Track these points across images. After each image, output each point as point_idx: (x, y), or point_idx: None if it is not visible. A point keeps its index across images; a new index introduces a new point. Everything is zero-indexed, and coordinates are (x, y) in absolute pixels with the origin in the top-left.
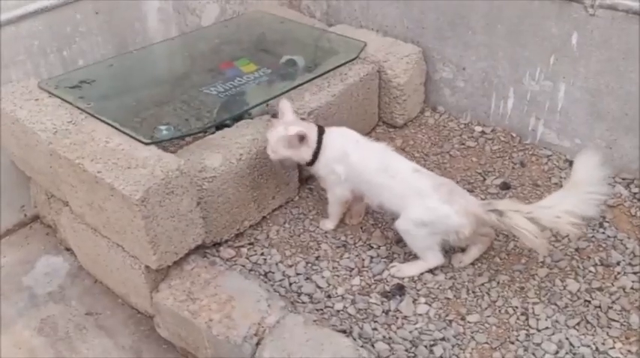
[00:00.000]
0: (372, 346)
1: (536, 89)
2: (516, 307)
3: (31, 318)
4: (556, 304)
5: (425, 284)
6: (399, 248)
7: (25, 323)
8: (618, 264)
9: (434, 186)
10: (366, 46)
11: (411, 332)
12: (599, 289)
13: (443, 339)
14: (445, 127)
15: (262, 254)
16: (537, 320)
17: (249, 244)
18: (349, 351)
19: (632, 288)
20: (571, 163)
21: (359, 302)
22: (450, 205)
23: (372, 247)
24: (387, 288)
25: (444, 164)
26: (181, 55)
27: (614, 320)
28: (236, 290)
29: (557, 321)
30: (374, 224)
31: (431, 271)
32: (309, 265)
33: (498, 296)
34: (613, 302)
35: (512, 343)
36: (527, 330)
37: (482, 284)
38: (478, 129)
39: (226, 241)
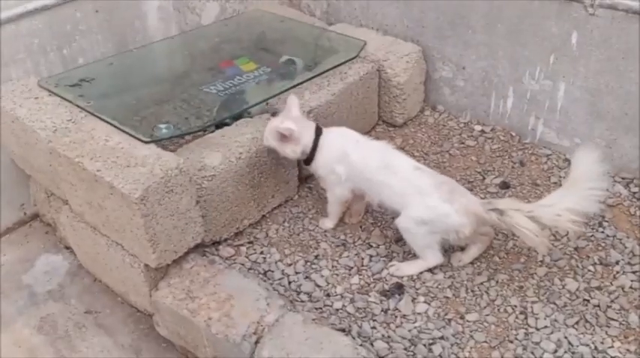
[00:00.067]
0: (371, 345)
1: (536, 88)
2: (515, 306)
3: (30, 317)
4: (555, 303)
5: (424, 283)
6: (398, 247)
7: (24, 321)
8: (617, 263)
9: (435, 185)
10: (365, 45)
11: (410, 330)
12: (598, 288)
13: (442, 338)
14: (445, 126)
15: (262, 252)
16: (536, 319)
17: (249, 243)
18: (348, 350)
19: (630, 287)
20: (571, 163)
21: (358, 301)
22: (451, 204)
23: (372, 246)
24: (386, 287)
25: (443, 163)
26: (181, 53)
27: (612, 320)
28: (235, 289)
29: (556, 320)
30: (373, 223)
31: (430, 270)
32: (309, 264)
33: (497, 295)
34: (612, 301)
35: (511, 342)
36: (526, 329)
37: (482, 283)
38: (478, 128)
39: (226, 240)
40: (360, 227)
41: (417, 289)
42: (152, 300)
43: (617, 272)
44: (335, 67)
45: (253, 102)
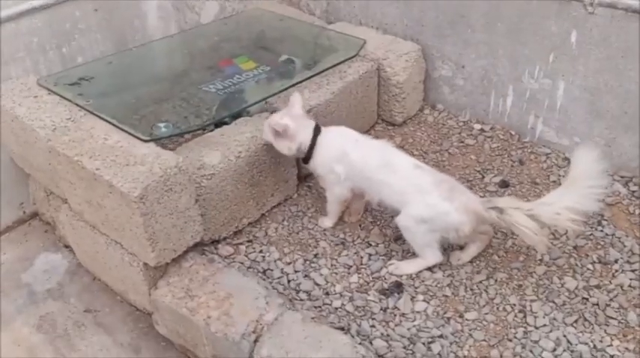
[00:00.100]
0: (370, 343)
1: (536, 87)
2: (514, 304)
3: (30, 315)
4: (554, 301)
5: (423, 281)
6: (398, 245)
7: (24, 320)
8: (616, 261)
9: (434, 183)
10: (365, 44)
11: (409, 329)
12: (597, 287)
13: (441, 336)
14: (444, 125)
15: (261, 251)
16: (535, 317)
17: (248, 241)
18: (347, 348)
19: (629, 286)
20: (570, 161)
21: (357, 300)
22: (451, 202)
23: (371, 245)
24: (385, 286)
25: (442, 162)
26: (180, 52)
27: (611, 318)
28: (234, 288)
29: (554, 319)
30: (372, 222)
31: (429, 269)
32: (308, 262)
33: (496, 294)
34: (611, 299)
35: (510, 340)
36: (525, 328)
37: (480, 282)
38: (477, 127)
39: (225, 238)
40: (360, 226)
41: (416, 288)
42: (151, 299)
43: (616, 271)
44: (334, 65)
45: (252, 101)
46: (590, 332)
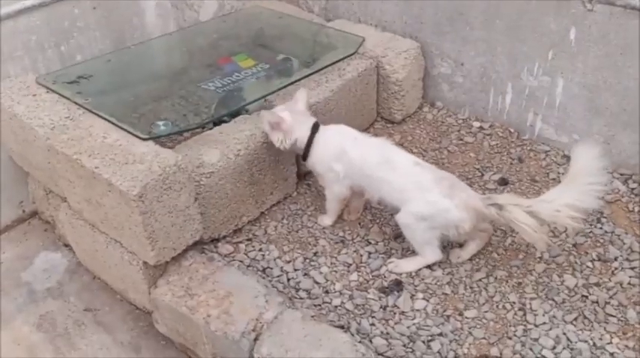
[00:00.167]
0: (370, 341)
1: (535, 84)
2: (514, 302)
3: (29, 314)
4: (553, 299)
5: (422, 279)
6: (397, 244)
7: (23, 319)
8: (616, 259)
9: (435, 180)
10: (364, 42)
11: (408, 327)
12: (597, 284)
13: (440, 335)
14: (443, 123)
15: (260, 250)
16: (535, 315)
17: (248, 240)
18: (347, 347)
19: (629, 284)
20: (569, 159)
21: (357, 298)
22: (451, 199)
23: (370, 243)
24: (385, 284)
25: (442, 160)
26: (179, 50)
27: (611, 316)
28: (234, 286)
29: (554, 317)
30: (372, 220)
31: (429, 267)
32: (307, 261)
33: (496, 292)
34: (610, 297)
35: (510, 338)
36: (524, 325)
37: (480, 280)
38: (476, 124)
39: (224, 237)
40: (359, 224)
41: (416, 286)
42: (151, 298)
43: (616, 269)
44: (333, 63)
45: (251, 98)
46: (590, 330)
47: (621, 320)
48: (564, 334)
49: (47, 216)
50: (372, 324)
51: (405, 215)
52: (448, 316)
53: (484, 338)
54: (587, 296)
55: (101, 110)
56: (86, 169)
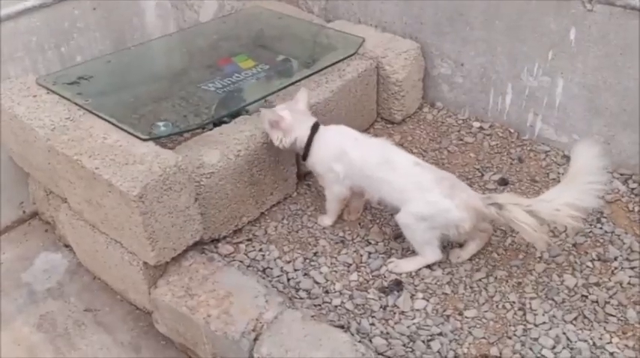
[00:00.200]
0: (370, 341)
1: (535, 85)
2: (514, 302)
3: (30, 315)
4: (553, 299)
5: (422, 279)
6: (397, 244)
7: (24, 319)
8: (615, 259)
9: (435, 180)
10: (364, 42)
11: (408, 327)
12: (597, 284)
13: (440, 334)
14: (443, 123)
15: (260, 250)
16: (535, 315)
17: (248, 240)
18: (347, 346)
19: (629, 283)
20: (569, 159)
21: (357, 298)
22: (451, 199)
23: (370, 243)
24: (385, 284)
25: (442, 160)
26: (179, 51)
27: (611, 315)
28: (234, 286)
29: (554, 316)
30: (372, 220)
31: (429, 266)
32: (307, 261)
33: (496, 292)
34: (610, 297)
35: (510, 338)
36: (524, 325)
37: (480, 280)
38: (476, 124)
39: (224, 237)
40: (359, 224)
41: (416, 286)
42: (151, 298)
43: (616, 268)
44: (333, 64)
45: (252, 99)
46: (590, 330)
47: (621, 320)
48: (564, 334)
49: (47, 216)
50: (372, 324)
51: (405, 215)
52: (448, 316)
53: (484, 337)
54: (587, 296)
55: (101, 111)
56: (86, 170)
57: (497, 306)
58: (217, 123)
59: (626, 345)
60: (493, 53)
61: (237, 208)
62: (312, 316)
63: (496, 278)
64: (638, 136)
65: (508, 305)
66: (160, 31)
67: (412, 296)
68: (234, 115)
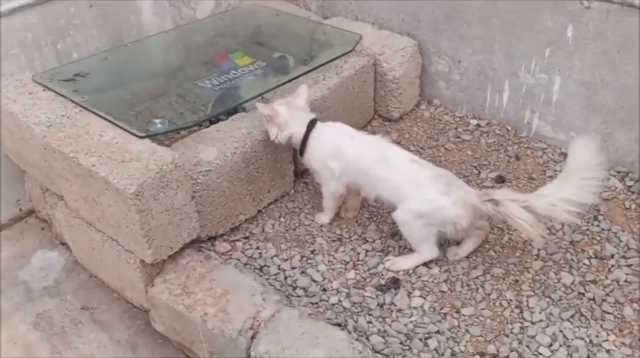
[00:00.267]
0: (367, 339)
1: (532, 82)
2: (511, 300)
3: (26, 313)
4: (550, 297)
5: (420, 277)
6: (394, 241)
7: (20, 317)
8: (612, 256)
9: (432, 177)
10: (361, 39)
11: (405, 325)
12: (593, 282)
13: (437, 332)
14: (440, 121)
15: (258, 248)
16: (531, 312)
17: (245, 238)
18: (344, 344)
19: (625, 281)
20: (566, 156)
21: (354, 296)
22: (448, 196)
23: (367, 241)
24: (382, 282)
25: (439, 157)
26: (176, 48)
27: (607, 313)
28: (231, 284)
29: (551, 314)
30: (369, 218)
31: (426, 264)
32: (305, 259)
33: (493, 289)
34: (607, 294)
35: (507, 336)
36: (521, 323)
37: (477, 278)
38: (473, 122)
39: (221, 235)
40: (356, 222)
41: (413, 283)
42: (148, 296)
43: (612, 266)
44: (330, 61)
45: (249, 96)
46: (587, 327)
47: (618, 318)
48: (561, 331)
49: (44, 214)
50: (370, 322)
51: (402, 212)
52: (445, 314)
53: (481, 335)
54: (583, 294)
55: (98, 108)
56: (83, 167)
57: (494, 304)
58: (214, 120)
59: (622, 343)
60: (490, 50)
61: (234, 206)
62: (310, 314)
63: (493, 275)
64: (635, 134)
65: (505, 303)
66: (156, 28)
67: (409, 294)
68: (231, 112)
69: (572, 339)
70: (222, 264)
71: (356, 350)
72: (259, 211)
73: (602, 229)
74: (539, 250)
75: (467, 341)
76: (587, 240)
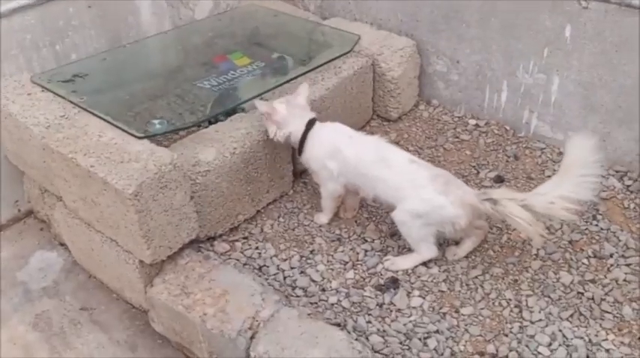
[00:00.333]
0: (367, 339)
1: (530, 82)
2: (510, 299)
3: (25, 313)
4: (549, 296)
5: (419, 277)
6: (393, 241)
7: (19, 318)
8: (611, 256)
9: (430, 177)
10: (360, 40)
11: (405, 324)
12: (592, 281)
13: (437, 332)
14: (439, 121)
15: (257, 248)
16: (531, 312)
17: (244, 238)
18: (343, 344)
19: (624, 280)
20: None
21: (353, 296)
22: (446, 196)
23: (367, 241)
24: (381, 281)
25: (438, 157)
26: (175, 48)
27: (607, 312)
28: (230, 285)
29: (550, 313)
30: (368, 218)
31: (425, 264)
32: (304, 259)
33: (492, 289)
34: (606, 294)
35: (506, 335)
36: (520, 322)
37: (476, 277)
38: (472, 122)
39: (220, 235)
40: (355, 222)
41: (412, 283)
42: (147, 296)
43: (611, 265)
44: (329, 61)
45: (247, 97)
46: (586, 327)
47: (617, 317)
48: (560, 331)
49: (43, 215)
50: (369, 322)
51: (400, 212)
52: (444, 313)
53: (480, 335)
54: (582, 293)
55: (96, 109)
56: (81, 168)
57: (493, 304)
58: (213, 120)
59: (622, 342)
60: (489, 51)
61: (233, 206)
62: (309, 314)
63: (492, 275)
64: (633, 133)
65: (504, 303)
66: (155, 29)
67: (408, 294)
68: (230, 113)
69: (572, 338)
70: (222, 264)
71: (355, 349)
72: (258, 211)
73: (601, 228)
74: (538, 250)
75: (466, 341)
76: (586, 239)
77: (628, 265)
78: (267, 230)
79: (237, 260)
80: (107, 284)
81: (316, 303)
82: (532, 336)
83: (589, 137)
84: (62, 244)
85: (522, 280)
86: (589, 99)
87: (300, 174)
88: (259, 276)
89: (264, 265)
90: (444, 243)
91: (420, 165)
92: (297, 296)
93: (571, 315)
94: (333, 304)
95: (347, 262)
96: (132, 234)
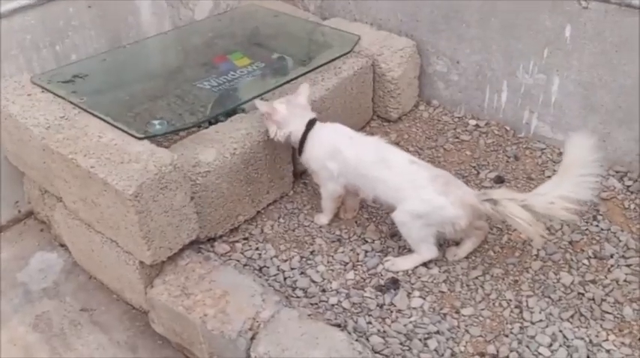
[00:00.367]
0: (367, 340)
1: (530, 82)
2: (510, 300)
3: (25, 314)
4: (550, 297)
5: (419, 277)
6: (394, 242)
7: (19, 319)
8: (612, 256)
9: (430, 178)
10: (360, 40)
11: (405, 325)
12: (593, 282)
13: (437, 332)
14: (439, 121)
15: (257, 249)
16: (531, 312)
17: (244, 239)
18: (344, 345)
19: (625, 281)
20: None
21: (353, 296)
22: (446, 196)
23: (367, 241)
24: (382, 282)
25: (438, 158)
26: (175, 49)
27: (607, 313)
28: (230, 285)
29: (550, 314)
30: (368, 218)
31: (425, 265)
32: (304, 260)
33: (492, 290)
34: (606, 294)
35: (507, 336)
36: (521, 323)
37: (477, 278)
38: (472, 122)
39: (221, 236)
40: (356, 222)
41: (413, 284)
42: (147, 297)
43: (612, 266)
44: (329, 61)
45: (247, 97)
46: (586, 327)
47: (617, 318)
48: (560, 331)
49: (43, 216)
50: (369, 322)
51: (400, 213)
52: (445, 314)
53: (481, 335)
54: (583, 294)
55: (96, 109)
56: (82, 169)
57: (493, 304)
58: (213, 121)
59: (622, 343)
60: (489, 51)
61: (233, 207)
62: (309, 315)
63: (492, 276)
64: (634, 134)
65: (505, 303)
66: (155, 29)
67: (409, 295)
68: (230, 113)
69: (572, 339)
70: (222, 265)
71: (356, 350)
72: (258, 212)
73: (602, 229)
74: (538, 250)
75: (466, 342)
76: (586, 239)
77: (628, 266)
78: (267, 231)
79: (238, 261)
80: (107, 285)
81: (316, 304)
82: (532, 337)
83: (588, 137)
84: (62, 245)
85: (523, 281)
86: (589, 99)
87: (301, 174)
88: (259, 277)
89: (265, 266)
90: (444, 243)
91: (420, 166)
92: (298, 297)
93: (571, 316)
94: (333, 305)
95: (347, 263)
96: (132, 234)
